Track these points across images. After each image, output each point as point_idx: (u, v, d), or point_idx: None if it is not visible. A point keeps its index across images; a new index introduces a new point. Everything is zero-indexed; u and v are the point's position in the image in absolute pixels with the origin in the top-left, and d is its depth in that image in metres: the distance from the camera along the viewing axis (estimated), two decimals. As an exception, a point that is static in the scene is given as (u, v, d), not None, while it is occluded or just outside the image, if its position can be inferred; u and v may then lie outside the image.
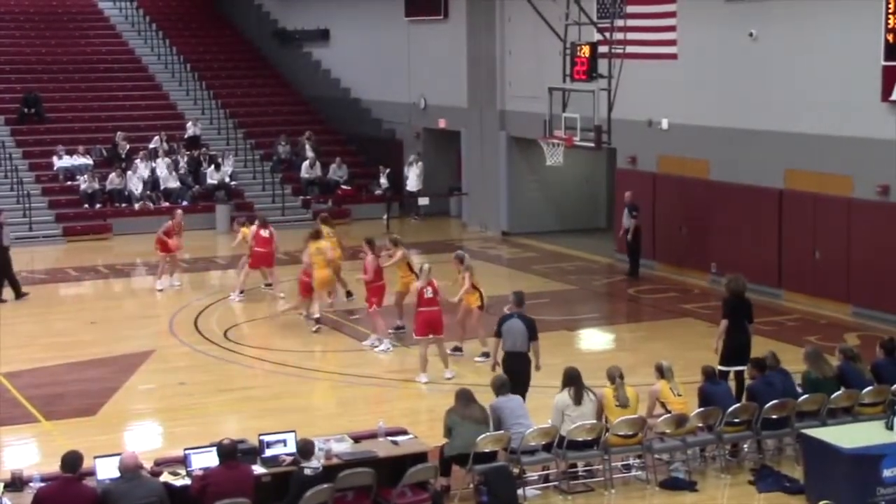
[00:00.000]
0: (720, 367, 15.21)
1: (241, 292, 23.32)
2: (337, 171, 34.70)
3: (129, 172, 32.56)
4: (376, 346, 19.36)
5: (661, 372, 13.92)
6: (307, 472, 11.52)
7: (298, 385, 17.68)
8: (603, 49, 21.99)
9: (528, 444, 12.91)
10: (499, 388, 13.37)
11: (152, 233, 30.96)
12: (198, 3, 44.01)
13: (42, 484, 11.09)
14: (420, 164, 33.37)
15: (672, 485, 13.29)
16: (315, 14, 39.67)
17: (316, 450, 12.03)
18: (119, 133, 34.14)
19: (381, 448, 12.53)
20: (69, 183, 32.49)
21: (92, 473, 11.31)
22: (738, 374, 15.27)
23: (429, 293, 17.58)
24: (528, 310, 15.85)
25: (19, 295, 23.33)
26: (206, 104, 37.53)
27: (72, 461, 10.79)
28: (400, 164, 34.30)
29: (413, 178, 33.17)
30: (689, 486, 13.27)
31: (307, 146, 35.35)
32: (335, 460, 12.07)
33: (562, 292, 23.66)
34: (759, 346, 16.13)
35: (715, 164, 24.05)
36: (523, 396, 14.28)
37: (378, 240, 20.79)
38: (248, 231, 23.44)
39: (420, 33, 34.15)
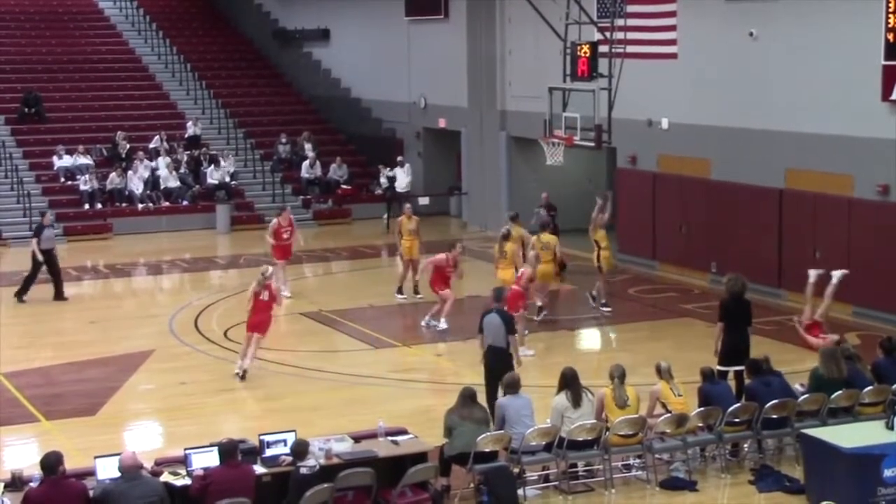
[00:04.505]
0: (719, 368, 15.21)
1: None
2: (337, 171, 34.69)
3: (130, 172, 32.56)
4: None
5: (661, 372, 13.94)
6: (303, 471, 11.53)
7: (299, 385, 17.67)
8: (603, 49, 21.96)
9: (529, 444, 12.91)
10: (507, 387, 13.38)
11: (153, 232, 31.27)
12: (198, 3, 44.01)
13: (33, 485, 11.08)
14: (408, 165, 33.27)
15: (672, 484, 13.29)
16: (315, 14, 39.67)
17: (316, 449, 12.05)
18: (119, 133, 34.14)
19: (382, 448, 12.54)
20: (69, 183, 32.49)
21: (92, 473, 11.34)
22: (738, 374, 15.26)
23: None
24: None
25: (20, 297, 23.28)
26: (206, 104, 37.53)
27: (50, 464, 10.80)
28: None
29: (402, 180, 33.10)
30: (690, 486, 13.27)
31: (307, 146, 35.35)
32: (335, 460, 12.08)
33: (562, 292, 23.65)
34: (760, 347, 16.14)
35: (715, 164, 24.05)
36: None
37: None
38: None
39: (420, 33, 34.14)
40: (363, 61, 37.22)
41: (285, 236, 23.06)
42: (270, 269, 18.26)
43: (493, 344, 15.29)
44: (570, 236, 27.79)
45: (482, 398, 13.85)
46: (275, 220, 23.29)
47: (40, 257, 23.03)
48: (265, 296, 17.66)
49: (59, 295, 23.32)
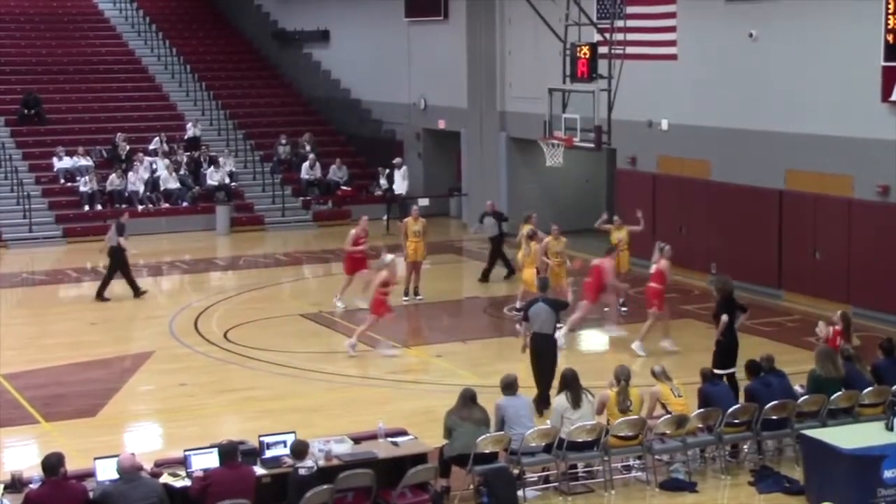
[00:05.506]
0: (716, 370, 15.19)
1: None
2: (337, 172, 34.68)
3: (130, 173, 32.55)
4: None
5: (656, 376, 13.97)
6: (301, 472, 11.52)
7: (299, 386, 17.67)
8: (603, 50, 21.97)
9: (529, 445, 12.91)
10: (505, 388, 13.37)
11: (153, 234, 31.22)
12: (198, 4, 44.00)
13: (33, 487, 11.08)
14: (405, 168, 33.22)
15: (672, 485, 13.29)
16: (315, 15, 39.68)
17: (316, 451, 12.04)
18: (119, 134, 34.13)
19: (382, 449, 12.53)
20: (69, 184, 32.48)
21: (92, 474, 11.33)
22: (730, 376, 15.33)
23: None
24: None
25: (138, 293, 23.59)
26: (206, 105, 37.52)
27: (51, 465, 10.81)
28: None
29: (399, 181, 33.05)
30: (690, 487, 13.27)
31: (307, 147, 35.34)
32: (335, 461, 12.08)
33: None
34: (759, 347, 16.16)
35: (715, 165, 24.06)
36: (551, 377, 15.20)
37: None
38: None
39: (420, 34, 34.14)
40: (363, 62, 37.22)
41: (361, 247, 22.27)
42: (389, 256, 19.82)
43: (541, 331, 15.88)
44: (570, 238, 27.83)
45: (482, 399, 13.82)
46: (353, 231, 22.49)
47: (132, 250, 23.62)
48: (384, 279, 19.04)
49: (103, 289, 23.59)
